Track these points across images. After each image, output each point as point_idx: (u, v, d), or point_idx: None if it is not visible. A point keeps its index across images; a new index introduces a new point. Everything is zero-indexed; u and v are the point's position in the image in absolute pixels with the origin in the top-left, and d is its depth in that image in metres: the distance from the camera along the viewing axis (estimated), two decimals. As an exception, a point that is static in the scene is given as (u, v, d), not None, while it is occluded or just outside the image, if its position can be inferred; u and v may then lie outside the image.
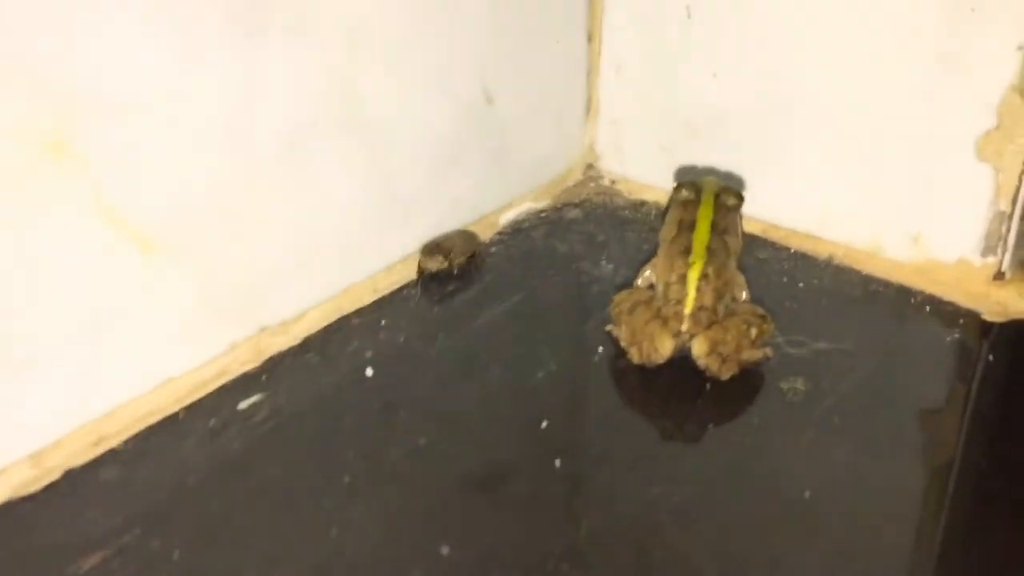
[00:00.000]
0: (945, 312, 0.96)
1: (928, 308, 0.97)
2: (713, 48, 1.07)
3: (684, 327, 0.86)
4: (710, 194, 0.94)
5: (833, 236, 1.05)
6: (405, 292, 1.00)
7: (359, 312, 0.96)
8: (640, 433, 0.82)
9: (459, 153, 1.04)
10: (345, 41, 0.87)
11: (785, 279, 1.02)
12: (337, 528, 0.71)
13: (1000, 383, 0.88)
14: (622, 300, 0.91)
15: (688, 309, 0.86)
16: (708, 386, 0.86)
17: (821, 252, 1.06)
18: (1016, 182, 0.92)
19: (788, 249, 1.07)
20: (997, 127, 0.91)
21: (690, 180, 0.97)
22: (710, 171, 1.10)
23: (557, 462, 0.78)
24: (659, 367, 0.87)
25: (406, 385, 0.86)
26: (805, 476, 0.76)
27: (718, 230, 0.91)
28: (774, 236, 1.09)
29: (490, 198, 1.10)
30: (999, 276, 0.97)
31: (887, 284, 1.01)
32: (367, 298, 0.98)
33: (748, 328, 0.86)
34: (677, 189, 0.96)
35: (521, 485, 0.76)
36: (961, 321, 0.95)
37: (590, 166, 1.22)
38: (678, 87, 1.10)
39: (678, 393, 0.86)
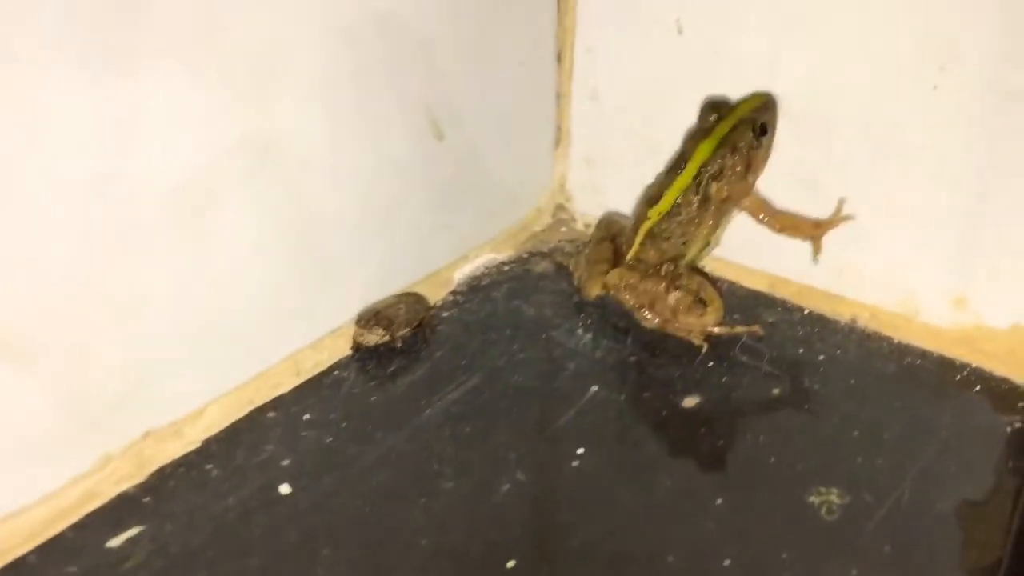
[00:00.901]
0: (999, 391, 0.78)
1: (978, 386, 0.79)
2: (708, 68, 0.88)
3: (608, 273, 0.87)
4: (727, 125, 0.83)
5: (855, 295, 0.87)
6: (336, 374, 0.81)
7: (276, 403, 0.77)
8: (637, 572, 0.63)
9: (400, 200, 0.85)
10: (252, 73, 0.68)
11: (802, 349, 0.84)
12: None
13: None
14: (600, 225, 0.94)
15: (628, 257, 0.87)
16: (720, 501, 0.67)
17: (842, 314, 0.87)
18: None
19: (802, 310, 0.89)
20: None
21: (719, 102, 0.86)
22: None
23: (528, 622, 0.58)
24: (658, 478, 0.68)
25: (331, 507, 0.67)
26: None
27: (704, 175, 0.83)
28: (784, 292, 0.91)
29: (441, 250, 0.91)
30: (1063, 346, 0.79)
31: (924, 355, 0.83)
32: (287, 383, 0.78)
33: (668, 291, 0.83)
34: (703, 109, 0.86)
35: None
36: (1021, 404, 0.77)
37: (560, 207, 1.03)
38: (666, 114, 0.91)
39: (683, 512, 0.67)
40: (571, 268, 0.93)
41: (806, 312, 0.89)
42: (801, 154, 0.86)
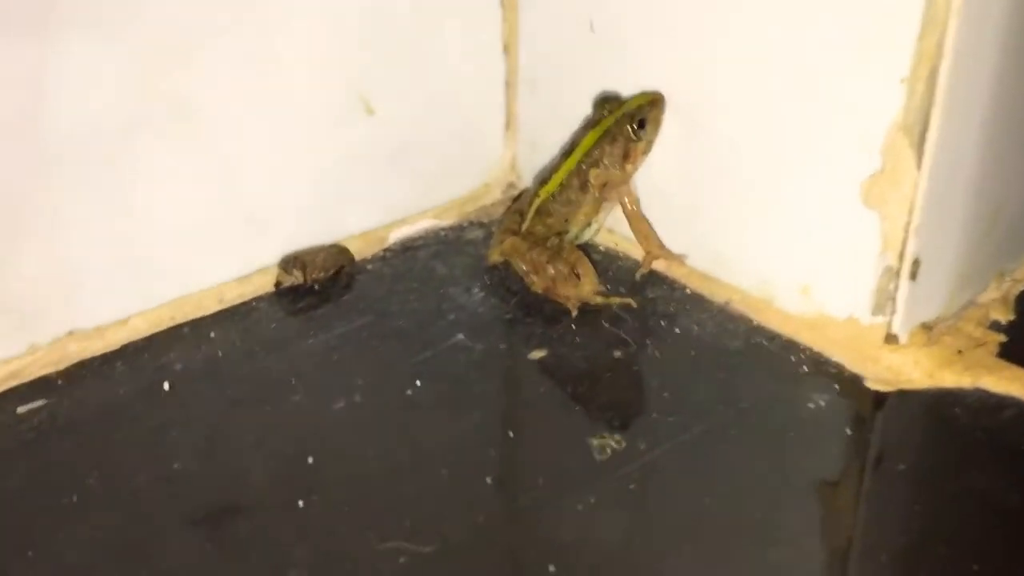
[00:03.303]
0: (825, 374, 0.85)
1: (806, 368, 0.85)
2: (619, 64, 0.98)
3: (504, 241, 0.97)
4: (612, 118, 0.93)
5: (729, 278, 0.94)
6: (253, 305, 0.95)
7: (195, 323, 0.92)
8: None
9: (330, 165, 0.98)
10: (165, 41, 0.83)
11: (663, 322, 0.92)
12: (33, 552, 0.67)
13: (861, 467, 0.76)
14: (518, 200, 1.03)
15: (522, 229, 0.96)
16: (511, 434, 0.79)
17: (719, 296, 0.95)
18: (902, 234, 0.80)
19: (684, 289, 0.97)
20: (882, 170, 0.79)
21: (611, 96, 0.96)
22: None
23: (300, 503, 0.71)
24: (470, 414, 0.80)
25: (196, 404, 0.82)
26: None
27: (586, 162, 0.94)
28: (676, 273, 0.99)
29: (377, 212, 1.04)
30: (891, 339, 0.84)
31: (774, 337, 0.90)
32: (211, 308, 0.94)
33: (549, 263, 0.92)
34: (596, 103, 0.97)
35: (250, 523, 0.70)
36: (836, 386, 0.83)
37: (512, 185, 1.14)
38: (582, 108, 1.01)
39: (472, 442, 0.79)
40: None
41: (687, 292, 0.97)
42: (683, 147, 0.94)
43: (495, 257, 0.99)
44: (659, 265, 0.97)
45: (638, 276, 0.97)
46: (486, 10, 1.05)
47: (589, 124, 0.95)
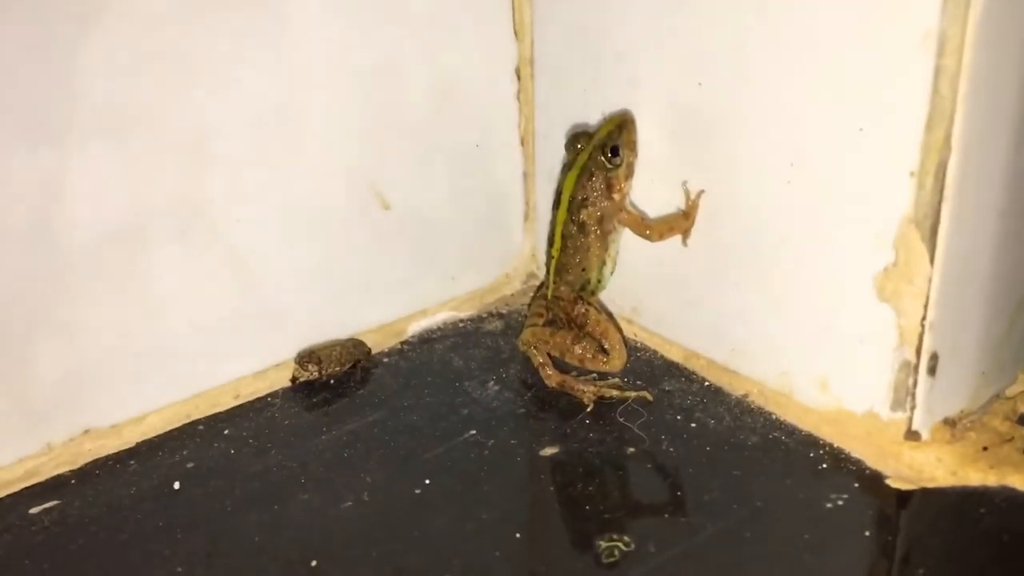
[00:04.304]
0: (845, 471, 0.83)
1: (826, 464, 0.83)
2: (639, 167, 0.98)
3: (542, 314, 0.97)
4: (585, 153, 0.92)
5: (748, 371, 0.93)
6: (269, 401, 0.96)
7: (211, 419, 0.93)
8: None
9: (347, 259, 0.99)
10: (178, 147, 0.85)
11: (680, 416, 0.91)
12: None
13: (882, 571, 0.74)
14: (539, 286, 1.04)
15: (548, 296, 0.97)
16: (518, 535, 0.77)
17: (737, 388, 0.93)
18: (918, 328, 0.78)
19: (703, 382, 0.96)
20: (895, 264, 0.78)
21: (580, 131, 0.95)
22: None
23: (301, 609, 0.71)
24: (477, 510, 0.80)
25: (204, 504, 0.82)
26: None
27: (574, 205, 0.93)
28: (694, 365, 0.98)
29: (396, 305, 1.05)
30: (912, 435, 0.81)
31: (792, 432, 0.88)
32: (226, 404, 0.94)
33: (575, 343, 0.93)
34: (567, 144, 0.96)
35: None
36: (856, 484, 0.81)
37: (531, 275, 1.14)
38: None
39: (481, 541, 0.77)
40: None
41: (706, 384, 0.95)
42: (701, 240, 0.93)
43: (524, 347, 0.98)
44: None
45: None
46: (503, 105, 1.06)
47: (566, 167, 0.95)
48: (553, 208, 0.96)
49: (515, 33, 1.03)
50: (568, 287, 0.96)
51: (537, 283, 1.13)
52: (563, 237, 0.94)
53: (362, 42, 0.93)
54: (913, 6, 0.70)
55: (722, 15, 0.84)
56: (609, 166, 0.92)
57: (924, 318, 0.78)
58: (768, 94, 0.83)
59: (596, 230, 0.94)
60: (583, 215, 0.93)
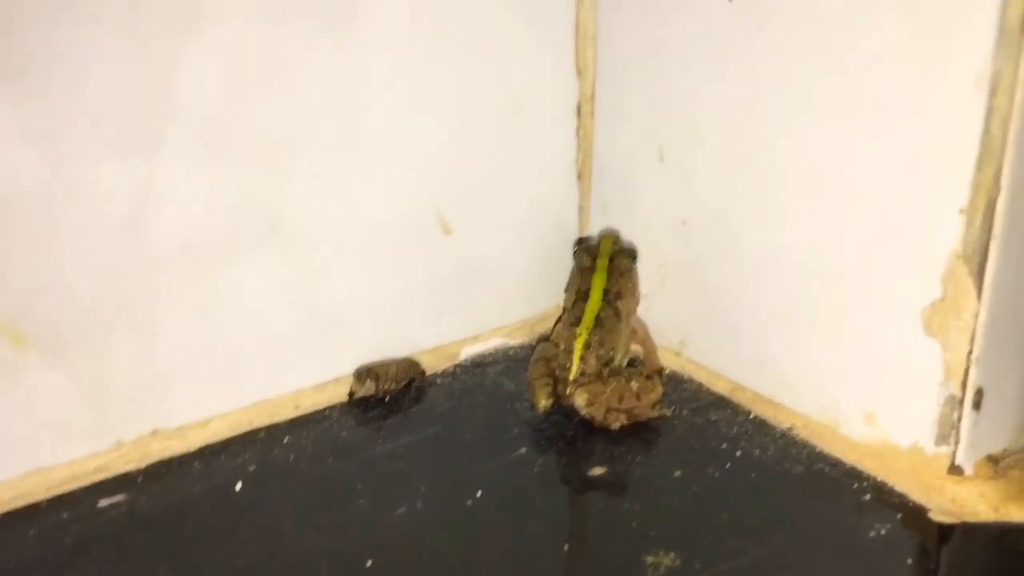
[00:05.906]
0: (888, 503, 0.84)
1: (869, 496, 0.85)
2: (684, 195, 1.01)
3: (568, 391, 0.97)
4: (604, 259, 1.03)
5: (793, 404, 0.95)
6: (327, 413, 0.99)
7: (271, 427, 0.96)
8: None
9: (409, 282, 1.03)
10: (263, 161, 0.90)
11: (725, 445, 0.93)
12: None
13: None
14: (537, 350, 1.03)
15: (572, 376, 0.97)
16: (566, 547, 0.79)
17: (783, 421, 0.96)
18: (964, 363, 0.80)
19: (748, 413, 0.98)
20: (942, 299, 0.80)
21: (587, 245, 1.06)
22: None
23: (358, 604, 0.73)
24: (529, 523, 0.82)
25: (264, 505, 0.85)
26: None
27: (609, 296, 1.01)
28: (740, 398, 1.00)
29: (451, 329, 1.08)
30: (955, 470, 0.83)
31: (836, 464, 0.89)
32: (286, 414, 0.98)
33: (628, 382, 0.96)
34: (576, 254, 1.06)
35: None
36: (899, 516, 0.82)
37: (582, 307, 1.17)
38: (651, 233, 1.05)
39: (528, 553, 0.80)
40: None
41: (751, 416, 0.97)
42: (749, 274, 0.96)
43: (542, 404, 0.98)
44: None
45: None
46: (562, 140, 1.10)
47: (586, 270, 1.04)
48: (578, 300, 1.02)
49: (577, 71, 1.07)
50: (596, 360, 0.98)
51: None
52: (598, 318, 0.99)
53: (434, 70, 0.98)
54: (967, 49, 0.73)
55: (781, 56, 0.88)
56: (631, 267, 1.04)
57: (970, 352, 0.79)
58: (823, 131, 0.86)
59: (624, 319, 1.02)
60: (619, 304, 1.01)
